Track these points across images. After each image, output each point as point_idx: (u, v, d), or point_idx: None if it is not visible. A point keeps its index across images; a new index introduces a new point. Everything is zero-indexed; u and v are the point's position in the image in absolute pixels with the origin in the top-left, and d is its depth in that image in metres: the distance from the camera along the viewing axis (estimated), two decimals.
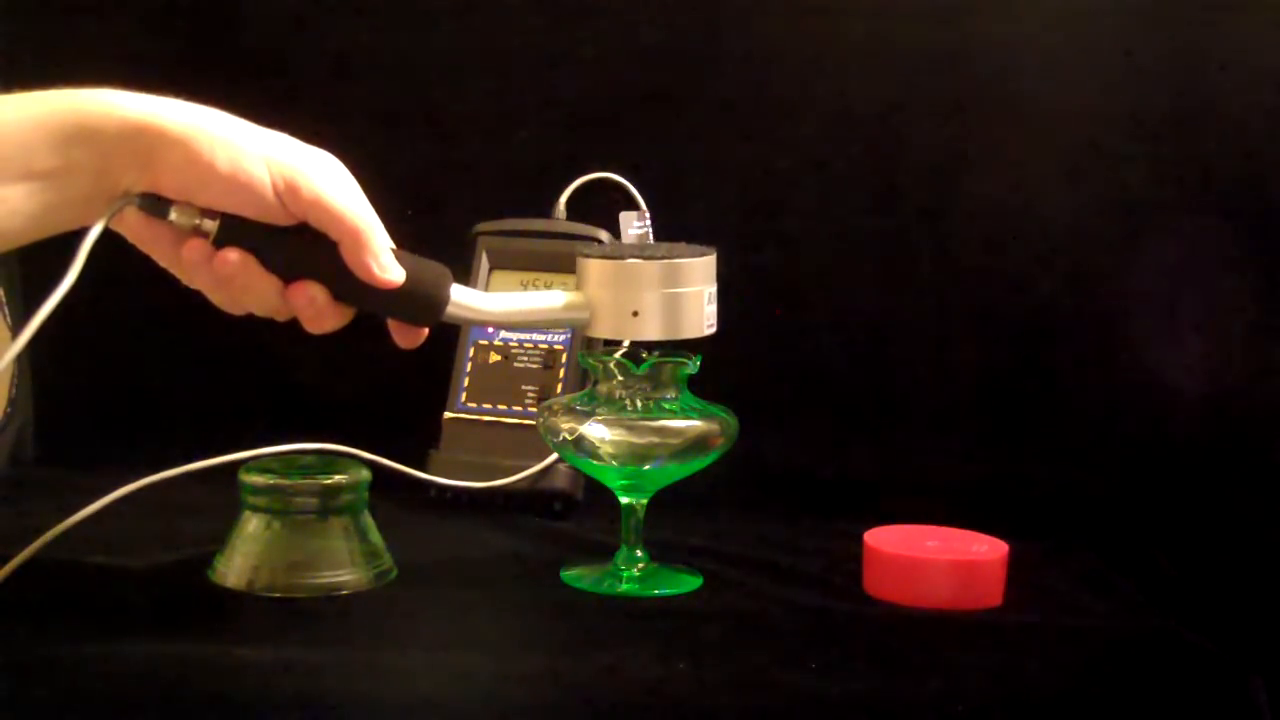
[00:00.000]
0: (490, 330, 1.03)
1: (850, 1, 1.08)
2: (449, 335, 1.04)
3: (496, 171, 1.14)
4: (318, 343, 1.15)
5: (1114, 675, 0.74)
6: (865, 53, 1.08)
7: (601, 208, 1.08)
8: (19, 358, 1.11)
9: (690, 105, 1.12)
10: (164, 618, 0.77)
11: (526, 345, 1.02)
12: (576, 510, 0.98)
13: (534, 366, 1.01)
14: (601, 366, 0.84)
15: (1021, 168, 1.06)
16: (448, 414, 1.02)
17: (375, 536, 0.84)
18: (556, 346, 1.02)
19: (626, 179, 1.05)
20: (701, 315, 0.78)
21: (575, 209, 1.08)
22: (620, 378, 0.83)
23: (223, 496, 0.85)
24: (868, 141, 1.09)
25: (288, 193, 0.67)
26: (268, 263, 0.68)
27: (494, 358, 1.02)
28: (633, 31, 1.13)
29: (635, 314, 0.76)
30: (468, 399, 1.02)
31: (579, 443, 0.82)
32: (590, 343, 1.02)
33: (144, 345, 1.20)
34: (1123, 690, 0.73)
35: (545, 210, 1.08)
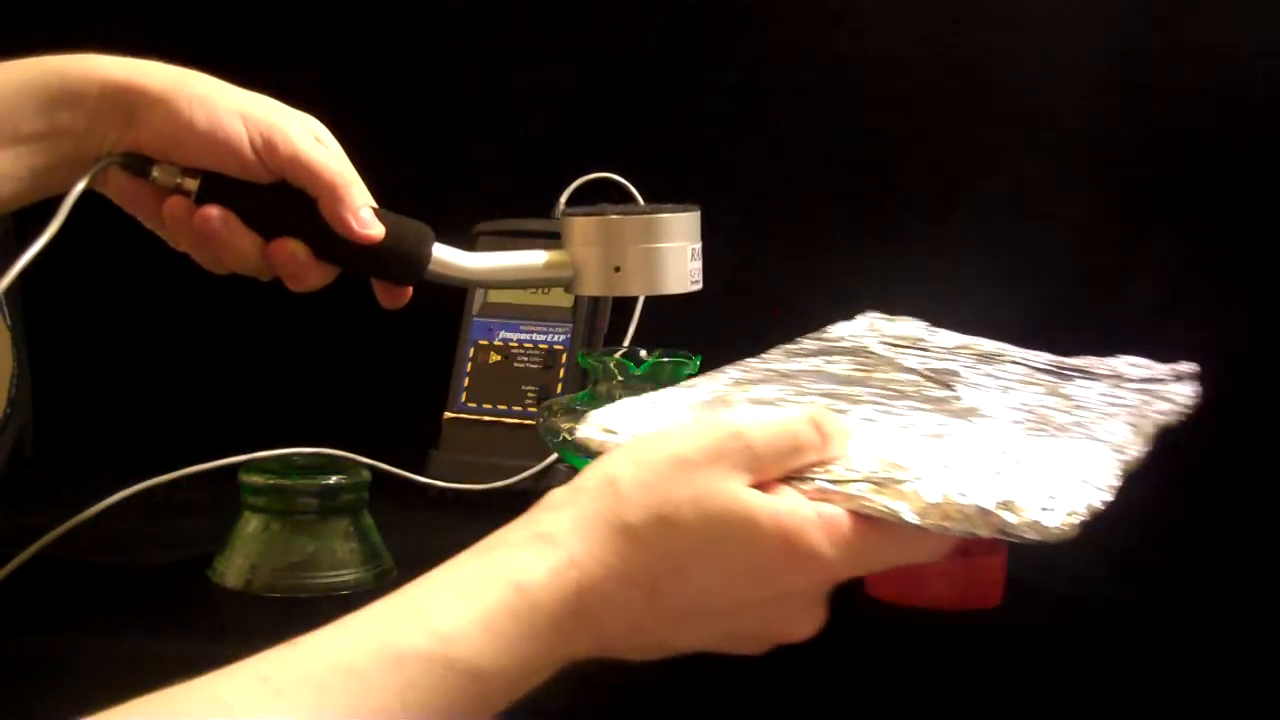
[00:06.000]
0: (490, 330, 1.03)
1: (851, 2, 1.08)
2: (449, 335, 1.04)
3: (496, 171, 1.14)
4: (318, 342, 1.16)
5: (1114, 675, 0.74)
6: (866, 53, 1.08)
7: None
8: (19, 358, 1.11)
9: (690, 105, 1.12)
10: (164, 618, 0.77)
11: (526, 345, 1.02)
12: None
13: (534, 366, 1.01)
14: (601, 366, 0.84)
15: (1022, 166, 1.06)
16: (448, 414, 1.02)
17: (375, 536, 0.84)
18: (556, 346, 1.02)
19: (626, 179, 1.04)
20: (685, 271, 0.77)
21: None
22: (620, 378, 0.83)
23: (223, 497, 0.85)
24: (869, 142, 1.09)
25: (265, 149, 0.67)
26: (248, 220, 0.69)
27: (494, 358, 1.02)
28: (633, 31, 1.13)
29: (617, 270, 0.76)
30: (468, 399, 1.02)
31: (579, 443, 0.81)
32: (590, 341, 1.02)
33: (145, 346, 1.20)
34: (1122, 690, 0.73)
35: (545, 210, 1.08)
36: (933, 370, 0.71)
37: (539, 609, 0.45)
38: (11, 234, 1.01)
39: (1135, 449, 0.59)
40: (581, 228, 0.77)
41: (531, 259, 0.77)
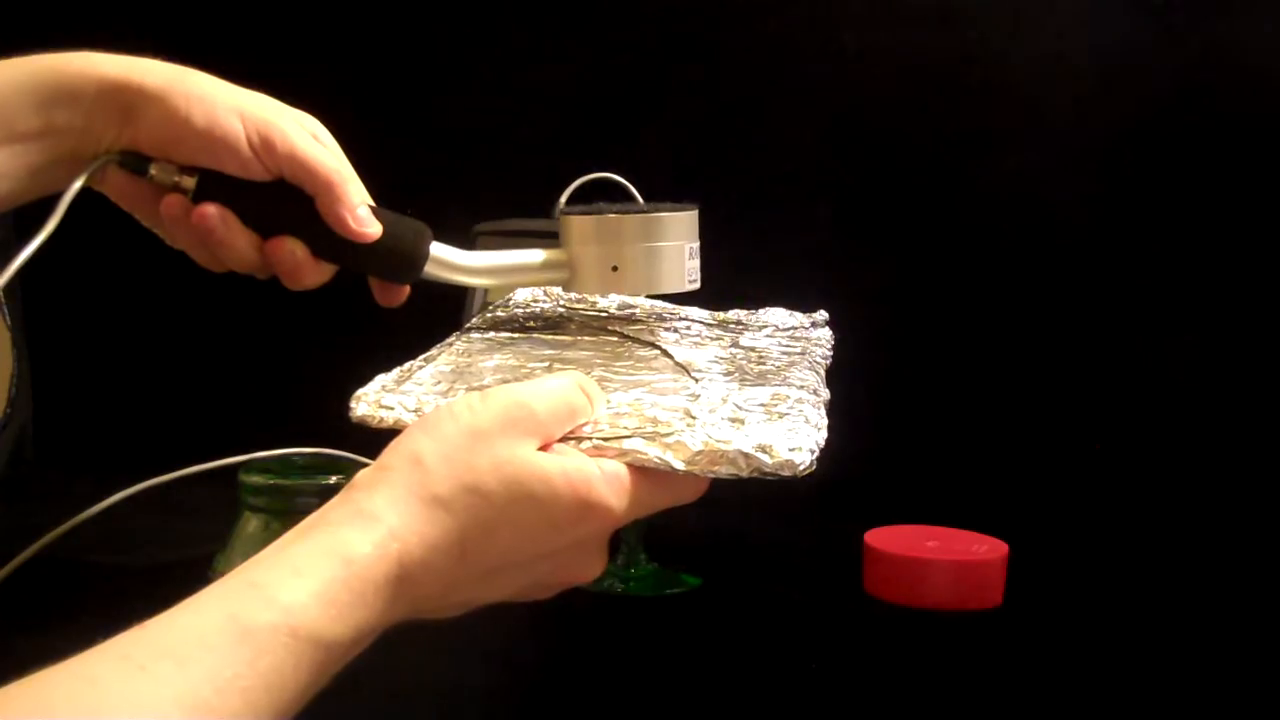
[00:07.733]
0: None
1: (851, 2, 1.08)
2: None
3: (496, 171, 1.14)
4: (317, 342, 1.16)
5: (1114, 675, 0.74)
6: (867, 52, 1.08)
7: None
8: (19, 358, 1.11)
9: (690, 105, 1.12)
10: None
11: None
12: None
13: None
14: None
15: (1025, 162, 1.05)
16: None
17: None
18: None
19: (626, 179, 1.04)
20: (683, 270, 0.78)
21: None
22: None
23: (223, 497, 0.85)
24: (869, 141, 1.09)
25: (263, 147, 0.67)
26: (246, 218, 0.69)
27: None
28: (633, 31, 1.13)
29: (615, 269, 0.76)
30: None
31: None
32: None
33: (144, 346, 1.20)
34: (1123, 690, 0.73)
35: (545, 210, 1.08)
36: (633, 332, 0.76)
37: (368, 580, 0.49)
38: (10, 232, 1.01)
39: (825, 391, 0.66)
40: (579, 226, 0.77)
41: (530, 258, 0.77)
